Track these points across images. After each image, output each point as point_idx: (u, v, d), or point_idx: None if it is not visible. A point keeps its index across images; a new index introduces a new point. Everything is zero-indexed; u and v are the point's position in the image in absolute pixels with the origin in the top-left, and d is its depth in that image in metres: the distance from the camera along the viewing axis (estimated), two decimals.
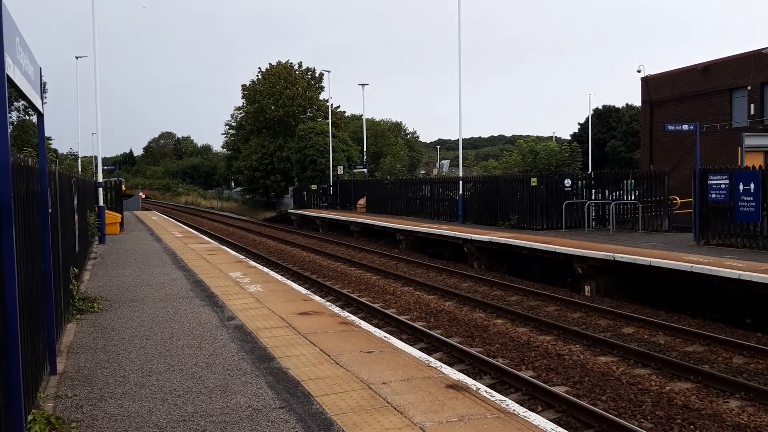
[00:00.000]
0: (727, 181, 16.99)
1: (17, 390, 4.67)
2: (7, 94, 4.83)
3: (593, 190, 24.98)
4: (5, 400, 4.60)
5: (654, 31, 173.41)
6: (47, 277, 7.18)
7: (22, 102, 47.72)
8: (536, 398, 8.59)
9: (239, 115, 79.05)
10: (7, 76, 4.89)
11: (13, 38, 5.16)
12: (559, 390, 8.79)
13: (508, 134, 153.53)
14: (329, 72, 60.75)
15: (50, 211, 7.76)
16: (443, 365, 7.70)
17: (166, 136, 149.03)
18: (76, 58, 42.61)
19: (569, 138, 69.82)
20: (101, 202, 25.48)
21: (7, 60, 4.84)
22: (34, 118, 42.70)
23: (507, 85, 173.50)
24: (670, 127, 21.61)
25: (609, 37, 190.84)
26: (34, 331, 6.17)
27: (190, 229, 32.63)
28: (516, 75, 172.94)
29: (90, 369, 7.55)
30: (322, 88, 72.72)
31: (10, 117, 6.15)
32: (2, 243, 4.63)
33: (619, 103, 71.29)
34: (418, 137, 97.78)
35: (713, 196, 17.46)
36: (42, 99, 7.36)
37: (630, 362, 10.19)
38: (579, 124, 71.12)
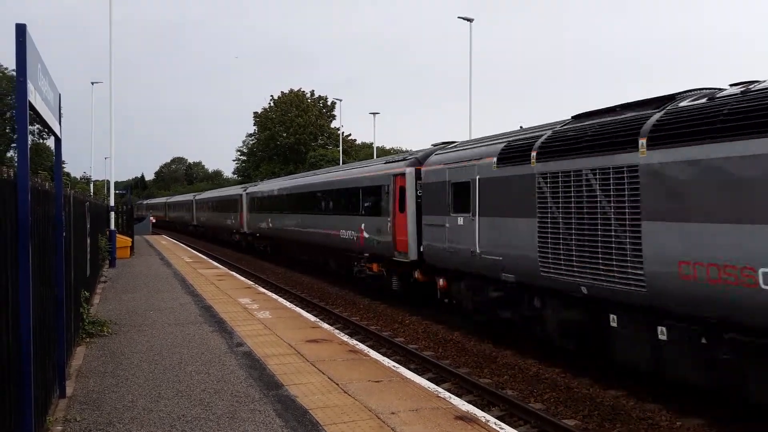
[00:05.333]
0: None
1: (28, 413, 4.69)
2: (28, 119, 4.93)
3: None
4: (17, 422, 4.62)
5: (668, 59, 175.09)
6: (60, 300, 7.23)
7: (37, 126, 48.39)
8: None
9: (251, 142, 79.82)
10: (29, 101, 5.00)
11: (35, 65, 5.28)
12: (569, 423, 8.70)
13: None
14: (341, 100, 61.36)
15: (64, 234, 7.84)
16: (452, 396, 7.66)
17: (178, 161, 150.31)
18: (92, 83, 43.44)
19: None
20: (112, 226, 25.64)
21: (30, 87, 4.95)
22: (48, 142, 42.68)
23: (517, 112, 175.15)
24: None
25: (618, 65, 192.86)
26: (44, 355, 6.20)
27: (200, 254, 32.73)
28: (526, 103, 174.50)
29: (99, 393, 7.55)
30: (333, 116, 73.45)
31: None
32: (19, 267, 4.68)
33: None
34: None
35: None
36: (60, 124, 7.48)
37: (640, 396, 10.08)
38: None
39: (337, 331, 12.14)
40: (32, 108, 5.25)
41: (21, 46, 4.83)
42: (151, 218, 69.04)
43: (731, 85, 8.56)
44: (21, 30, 4.85)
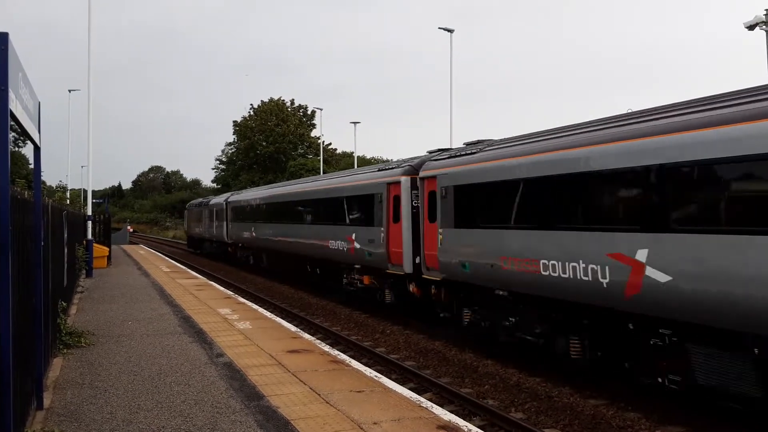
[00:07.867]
0: None
1: (8, 425, 4.62)
2: (9, 129, 4.88)
3: None
4: None
5: (644, 75, 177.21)
6: (38, 311, 7.14)
7: (13, 134, 47.74)
8: None
9: (230, 151, 79.49)
10: (10, 110, 4.95)
11: (16, 73, 5.24)
12: None
13: None
14: (321, 109, 61.42)
15: (42, 244, 7.75)
16: (434, 405, 7.67)
17: (156, 169, 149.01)
18: (69, 91, 42.87)
19: None
20: (90, 236, 25.36)
21: (11, 95, 4.91)
22: (24, 150, 41.75)
23: (500, 123, 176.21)
24: None
25: (603, 79, 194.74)
26: (22, 366, 6.11)
27: (178, 264, 32.48)
28: (510, 113, 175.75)
29: (77, 405, 7.46)
30: (314, 125, 73.46)
31: None
32: None
33: None
34: None
35: None
36: (39, 133, 7.41)
37: (621, 405, 10.16)
38: None
39: (318, 341, 12.11)
40: (13, 117, 5.20)
41: (2, 54, 4.79)
42: (129, 228, 68.31)
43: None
44: (3, 38, 4.81)
